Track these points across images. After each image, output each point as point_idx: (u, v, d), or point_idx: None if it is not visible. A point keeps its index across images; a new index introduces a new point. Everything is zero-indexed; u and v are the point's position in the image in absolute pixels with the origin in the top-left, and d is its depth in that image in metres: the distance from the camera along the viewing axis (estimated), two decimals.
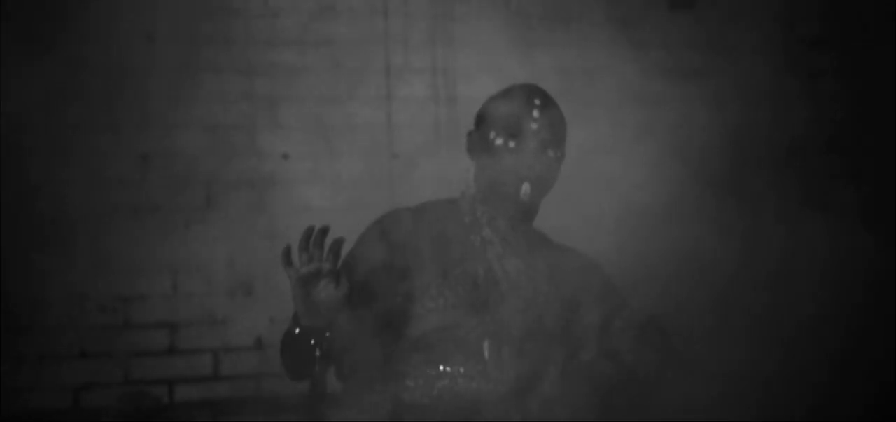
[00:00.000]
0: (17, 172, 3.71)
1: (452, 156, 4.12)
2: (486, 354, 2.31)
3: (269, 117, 3.96)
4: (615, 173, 4.12)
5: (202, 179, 3.92)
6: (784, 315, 4.00)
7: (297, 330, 2.28)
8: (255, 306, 3.96)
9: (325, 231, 2.15)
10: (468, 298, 2.31)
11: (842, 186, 4.35)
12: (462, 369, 2.30)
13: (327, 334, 2.24)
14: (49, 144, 3.76)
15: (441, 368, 2.31)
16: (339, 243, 2.17)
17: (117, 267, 3.82)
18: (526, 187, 2.33)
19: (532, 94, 2.39)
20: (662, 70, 4.21)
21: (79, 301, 3.81)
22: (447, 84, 4.13)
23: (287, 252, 2.16)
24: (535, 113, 2.35)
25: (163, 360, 3.90)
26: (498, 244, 2.35)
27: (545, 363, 2.36)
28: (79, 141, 3.78)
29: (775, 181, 4.30)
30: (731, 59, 4.30)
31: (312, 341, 2.24)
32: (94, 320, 3.83)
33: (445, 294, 2.31)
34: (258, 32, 3.96)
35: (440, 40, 4.14)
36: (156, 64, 3.86)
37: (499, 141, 2.34)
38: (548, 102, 2.40)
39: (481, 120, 2.44)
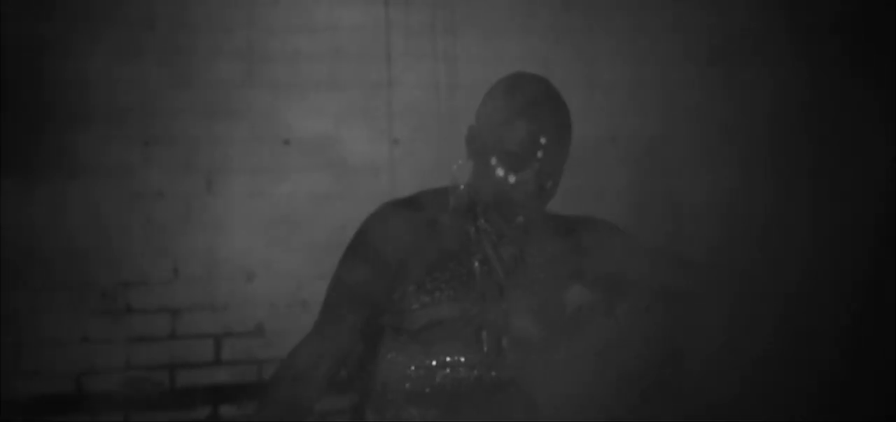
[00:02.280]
0: (18, 159, 3.72)
1: (453, 142, 4.12)
2: (485, 346, 2.31)
3: (270, 103, 3.96)
4: (620, 161, 4.13)
5: (203, 164, 3.93)
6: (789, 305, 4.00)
7: None
8: (257, 292, 3.97)
9: None
10: (465, 291, 2.30)
11: (851, 175, 4.33)
12: (462, 359, 2.31)
13: None
14: (50, 130, 3.76)
15: (441, 358, 2.31)
16: None
17: (119, 253, 3.83)
18: (520, 219, 2.30)
19: (540, 126, 2.24)
20: (669, 56, 4.20)
21: (80, 287, 3.81)
22: (448, 71, 4.13)
23: None
24: (540, 154, 2.22)
25: (164, 345, 3.91)
26: (493, 233, 2.34)
27: (549, 350, 2.37)
28: (80, 127, 3.78)
29: (786, 170, 4.29)
30: (741, 45, 4.28)
31: None
32: (95, 305, 3.83)
33: (442, 287, 2.30)
34: (259, 19, 3.96)
35: (441, 27, 4.13)
36: (157, 50, 3.86)
37: (499, 172, 2.24)
38: (555, 131, 2.27)
39: (483, 126, 2.32)
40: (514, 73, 2.40)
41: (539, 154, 2.23)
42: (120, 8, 3.83)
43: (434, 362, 2.31)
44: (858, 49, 4.35)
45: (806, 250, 4.12)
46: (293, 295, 4.00)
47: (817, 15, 4.34)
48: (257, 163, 3.96)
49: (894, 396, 3.80)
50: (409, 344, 2.31)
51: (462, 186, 2.37)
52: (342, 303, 2.32)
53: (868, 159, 4.25)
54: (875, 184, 4.20)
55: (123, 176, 3.84)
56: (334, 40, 4.04)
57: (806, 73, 4.35)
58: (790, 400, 3.52)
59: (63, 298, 3.79)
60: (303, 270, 3.97)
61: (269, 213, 3.96)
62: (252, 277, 3.97)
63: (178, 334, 3.93)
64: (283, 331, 4.00)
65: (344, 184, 4.01)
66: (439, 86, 4.12)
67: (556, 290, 2.41)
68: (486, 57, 4.13)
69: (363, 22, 4.07)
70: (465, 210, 2.34)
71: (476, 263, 2.32)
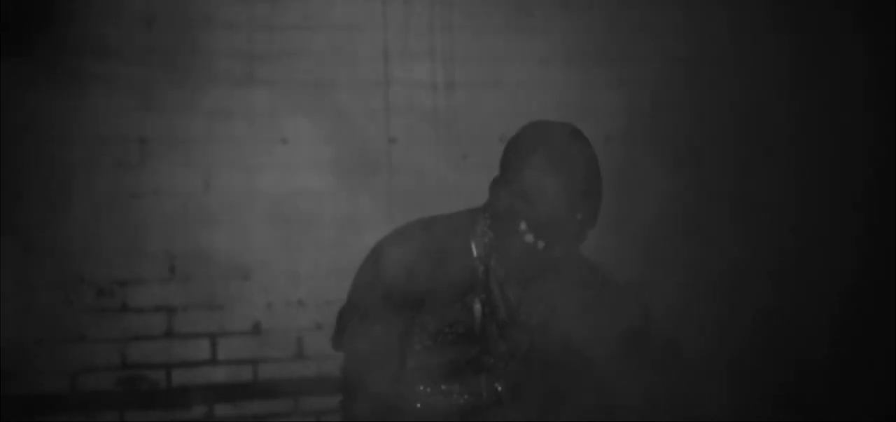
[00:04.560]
0: (15, 156, 3.71)
1: (451, 141, 4.12)
2: (484, 392, 2.31)
3: (268, 102, 3.95)
4: (618, 163, 4.12)
5: (200, 162, 3.92)
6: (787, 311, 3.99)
7: None
8: (253, 291, 3.96)
9: None
10: (466, 334, 2.28)
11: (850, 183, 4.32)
12: (457, 387, 2.31)
13: None
14: (47, 127, 3.75)
15: (436, 386, 2.30)
16: None
17: (115, 251, 3.83)
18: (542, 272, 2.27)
19: (579, 200, 2.17)
20: (668, 56, 4.20)
21: (77, 285, 3.81)
22: (445, 69, 4.13)
23: None
24: (575, 228, 2.18)
25: (160, 344, 3.90)
26: (501, 271, 2.30)
27: (546, 392, 2.35)
28: (77, 124, 3.78)
29: (786, 170, 4.28)
30: (742, 46, 4.27)
31: None
32: (91, 303, 3.83)
33: (445, 331, 2.28)
34: (258, 17, 3.95)
35: (439, 25, 4.13)
36: (155, 48, 3.85)
37: (529, 237, 2.18)
38: (593, 201, 2.19)
39: (512, 185, 2.22)
40: (545, 125, 2.30)
41: (574, 228, 2.19)
42: (119, 5, 3.82)
43: (429, 389, 2.31)
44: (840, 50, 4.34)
45: (791, 247, 4.12)
46: (290, 294, 4.00)
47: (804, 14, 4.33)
48: (255, 161, 3.96)
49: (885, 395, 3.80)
50: (405, 375, 2.30)
51: (483, 226, 2.31)
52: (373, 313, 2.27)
53: (854, 156, 4.24)
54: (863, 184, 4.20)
55: (120, 174, 3.84)
56: (332, 39, 4.03)
57: (796, 73, 4.35)
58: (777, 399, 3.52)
59: (59, 296, 3.79)
60: (300, 269, 3.97)
61: (266, 212, 3.95)
62: (249, 276, 3.96)
63: (175, 332, 3.92)
64: (279, 330, 4.00)
65: (341, 183, 4.01)
66: (437, 85, 4.12)
67: (561, 331, 2.37)
68: (483, 56, 4.13)
69: (361, 21, 4.06)
70: (480, 251, 2.30)
71: (477, 305, 2.29)
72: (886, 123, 4.30)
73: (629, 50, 4.21)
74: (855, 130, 4.32)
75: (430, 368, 2.27)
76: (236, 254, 3.92)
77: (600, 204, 2.22)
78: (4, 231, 3.68)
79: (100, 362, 3.85)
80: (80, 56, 3.77)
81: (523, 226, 2.19)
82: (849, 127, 4.33)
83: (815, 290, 4.04)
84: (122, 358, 3.88)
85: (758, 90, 4.30)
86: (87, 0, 3.78)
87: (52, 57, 3.74)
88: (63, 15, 3.76)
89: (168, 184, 3.89)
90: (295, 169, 3.98)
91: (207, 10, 3.91)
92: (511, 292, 2.29)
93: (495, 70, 4.14)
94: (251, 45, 3.95)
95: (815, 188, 4.26)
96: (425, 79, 4.11)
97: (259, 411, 3.99)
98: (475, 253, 2.28)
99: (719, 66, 4.23)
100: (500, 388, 2.31)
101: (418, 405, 2.31)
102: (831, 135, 4.32)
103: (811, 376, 3.87)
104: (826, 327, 4.00)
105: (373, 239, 2.43)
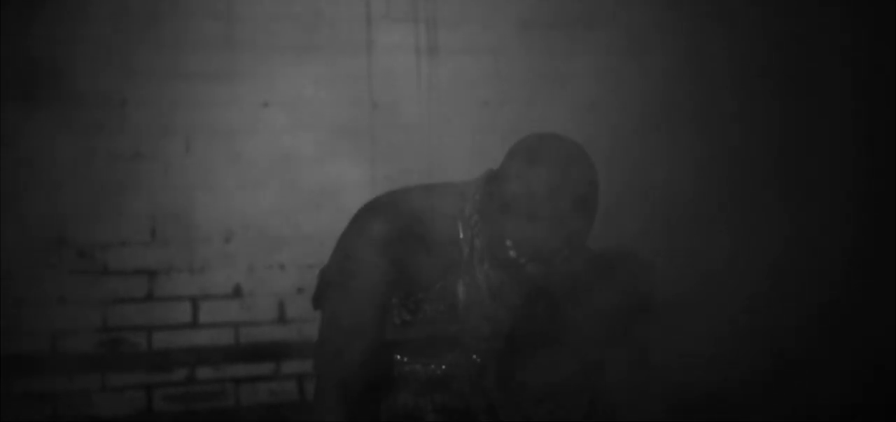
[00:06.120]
0: None
1: (433, 106, 4.12)
2: (462, 366, 2.31)
3: (250, 65, 3.94)
4: (600, 132, 4.12)
5: (182, 125, 3.91)
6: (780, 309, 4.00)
7: None
8: (234, 254, 3.96)
9: None
10: (446, 313, 2.28)
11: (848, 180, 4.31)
12: (436, 360, 2.31)
13: None
14: (28, 89, 3.73)
15: (413, 356, 2.31)
16: None
17: (96, 213, 3.82)
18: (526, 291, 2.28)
19: (570, 233, 2.16)
20: (654, 25, 4.19)
21: (57, 247, 3.80)
22: (428, 33, 4.12)
23: None
24: (561, 256, 2.19)
25: (141, 307, 3.90)
26: (487, 253, 2.30)
27: (528, 376, 2.36)
28: (58, 86, 3.76)
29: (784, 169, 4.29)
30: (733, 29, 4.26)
31: None
32: (72, 265, 3.82)
33: (425, 308, 2.28)
34: None
35: None
36: (136, 10, 3.83)
37: (512, 253, 2.19)
38: (585, 230, 2.18)
39: (505, 196, 2.20)
40: (550, 145, 2.23)
41: (560, 257, 2.19)
42: None
43: (405, 359, 2.31)
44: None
45: (771, 246, 4.13)
46: (271, 258, 4.00)
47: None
48: (236, 125, 3.95)
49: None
50: (382, 345, 2.30)
51: (472, 218, 2.30)
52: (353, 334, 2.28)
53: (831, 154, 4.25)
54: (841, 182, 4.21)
55: (101, 136, 3.82)
56: (314, 2, 4.02)
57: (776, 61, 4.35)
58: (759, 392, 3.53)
59: (40, 258, 3.78)
60: (281, 232, 3.97)
61: (247, 175, 3.95)
62: (230, 239, 3.96)
63: (156, 295, 3.92)
64: (260, 294, 4.01)
65: (323, 147, 4.01)
66: (419, 49, 4.11)
67: (546, 312, 2.38)
68: (466, 20, 4.12)
69: None
70: (465, 234, 2.30)
71: (461, 285, 2.29)
72: (886, 122, 4.30)
73: (616, 16, 4.20)
74: (854, 128, 4.31)
75: (408, 341, 2.27)
76: (217, 217, 3.92)
77: (595, 215, 2.21)
78: None
79: (80, 325, 3.85)
80: (61, 18, 3.75)
81: (509, 242, 2.20)
82: (848, 125, 4.32)
83: (814, 287, 4.05)
84: (103, 320, 3.88)
85: (746, 67, 4.30)
86: None
87: (31, 18, 3.72)
88: None
89: (149, 146, 3.87)
90: (277, 132, 3.97)
91: None
92: (494, 274, 2.29)
93: (478, 34, 4.14)
94: (232, 8, 3.93)
95: (814, 183, 4.26)
96: (408, 43, 4.10)
97: (240, 374, 4.00)
98: (461, 234, 2.27)
99: (711, 43, 4.22)
100: (478, 360, 2.31)
101: (394, 374, 2.32)
102: (831, 132, 4.32)
103: (804, 371, 3.89)
104: (823, 326, 4.01)
105: (355, 203, 2.43)
